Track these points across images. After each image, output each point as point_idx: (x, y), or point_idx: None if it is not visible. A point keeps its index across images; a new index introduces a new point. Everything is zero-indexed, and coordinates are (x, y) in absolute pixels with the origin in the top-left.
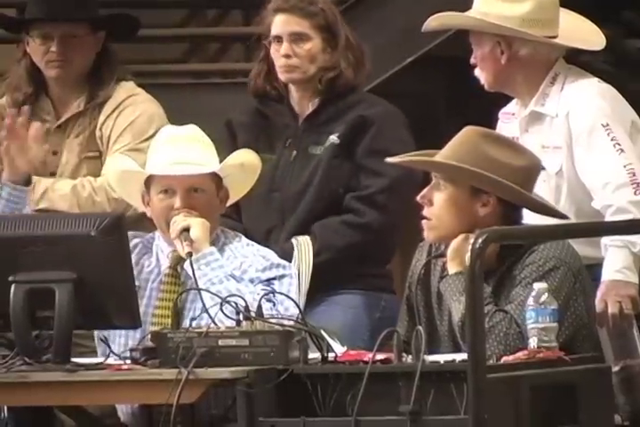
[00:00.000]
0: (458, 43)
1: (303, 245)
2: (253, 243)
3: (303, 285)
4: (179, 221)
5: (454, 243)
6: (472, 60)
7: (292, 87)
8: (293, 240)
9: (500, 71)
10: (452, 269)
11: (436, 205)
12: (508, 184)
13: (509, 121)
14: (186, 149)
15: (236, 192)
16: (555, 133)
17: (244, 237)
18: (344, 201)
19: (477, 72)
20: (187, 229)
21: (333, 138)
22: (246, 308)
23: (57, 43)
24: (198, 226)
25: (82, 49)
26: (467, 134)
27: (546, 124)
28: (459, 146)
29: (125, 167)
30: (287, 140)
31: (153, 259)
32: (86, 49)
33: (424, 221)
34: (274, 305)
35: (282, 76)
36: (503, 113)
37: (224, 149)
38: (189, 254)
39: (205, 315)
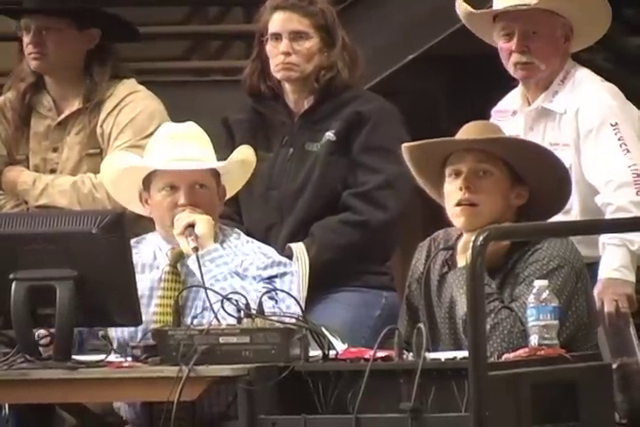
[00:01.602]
0: (458, 41)
1: (299, 253)
2: (253, 240)
3: (301, 291)
4: (183, 218)
5: (467, 237)
6: (520, 46)
7: (286, 85)
8: (292, 246)
9: (554, 59)
10: (462, 262)
11: (485, 191)
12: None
13: (505, 119)
14: (185, 146)
15: (231, 188)
16: (563, 131)
17: (242, 235)
18: (342, 198)
19: (522, 58)
20: (192, 226)
21: (329, 135)
22: (247, 305)
23: (31, 35)
24: (203, 222)
25: (60, 43)
26: (475, 124)
27: (555, 121)
28: (471, 133)
29: (129, 163)
30: (284, 138)
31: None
32: (67, 44)
33: (465, 207)
34: (276, 303)
35: (278, 74)
36: (497, 111)
37: (222, 147)
38: (196, 249)
39: (206, 313)
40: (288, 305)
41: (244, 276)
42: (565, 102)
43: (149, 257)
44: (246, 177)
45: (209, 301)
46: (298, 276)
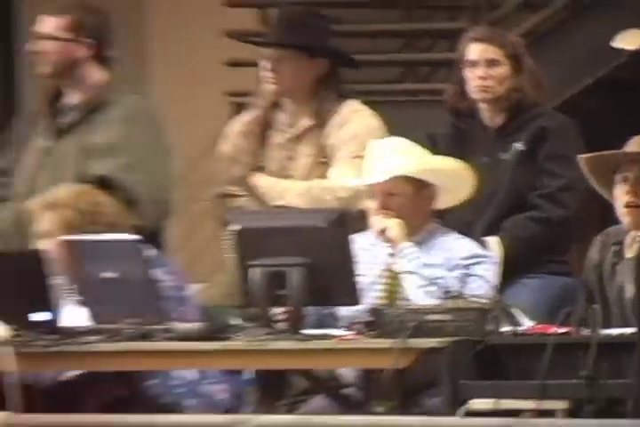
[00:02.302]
0: (634, 66)
1: (493, 245)
2: (463, 237)
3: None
4: (376, 223)
5: (633, 233)
6: None
7: (482, 104)
8: (487, 240)
9: None
10: (630, 253)
11: None
12: None
13: None
14: (386, 159)
15: (453, 198)
16: None
17: (455, 233)
18: (528, 198)
19: None
20: (384, 230)
21: (519, 145)
22: (448, 289)
23: (270, 63)
24: (394, 227)
25: (293, 70)
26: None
27: None
28: (637, 146)
29: (351, 184)
30: (480, 149)
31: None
32: (299, 71)
33: (632, 209)
34: (474, 285)
35: (476, 95)
36: None
37: None
38: (391, 255)
39: (413, 297)
40: (483, 288)
41: (435, 266)
42: None
43: (369, 250)
44: (467, 186)
45: (409, 290)
46: (494, 264)
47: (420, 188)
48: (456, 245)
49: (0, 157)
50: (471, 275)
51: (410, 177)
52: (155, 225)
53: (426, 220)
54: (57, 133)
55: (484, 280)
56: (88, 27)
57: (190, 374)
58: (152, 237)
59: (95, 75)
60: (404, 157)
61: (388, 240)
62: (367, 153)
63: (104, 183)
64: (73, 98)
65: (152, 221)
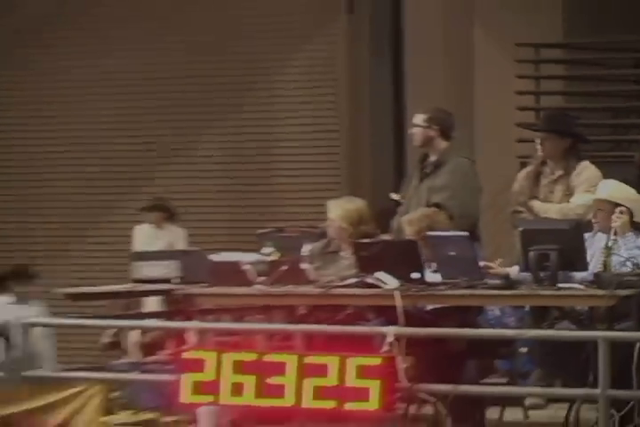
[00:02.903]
0: None
1: None
2: None
3: None
4: (614, 222)
5: None
6: None
7: None
8: None
9: None
10: None
11: None
12: None
13: None
14: (602, 189)
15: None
16: None
17: None
18: None
19: None
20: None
21: None
22: (638, 263)
23: (540, 140)
24: (621, 224)
25: (552, 145)
26: None
27: None
28: None
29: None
30: None
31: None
32: (555, 145)
33: None
34: None
35: None
36: None
37: None
38: (613, 242)
39: (618, 267)
40: None
41: (637, 248)
42: None
43: (593, 241)
44: None
45: (616, 262)
46: None
47: (616, 207)
48: None
49: (399, 191)
50: None
51: (606, 200)
52: (467, 230)
53: (628, 226)
54: (421, 179)
55: None
56: (438, 119)
57: (497, 312)
58: (473, 235)
59: (442, 146)
60: (609, 188)
61: (616, 232)
62: (596, 188)
63: (438, 207)
64: (431, 159)
65: (464, 228)
